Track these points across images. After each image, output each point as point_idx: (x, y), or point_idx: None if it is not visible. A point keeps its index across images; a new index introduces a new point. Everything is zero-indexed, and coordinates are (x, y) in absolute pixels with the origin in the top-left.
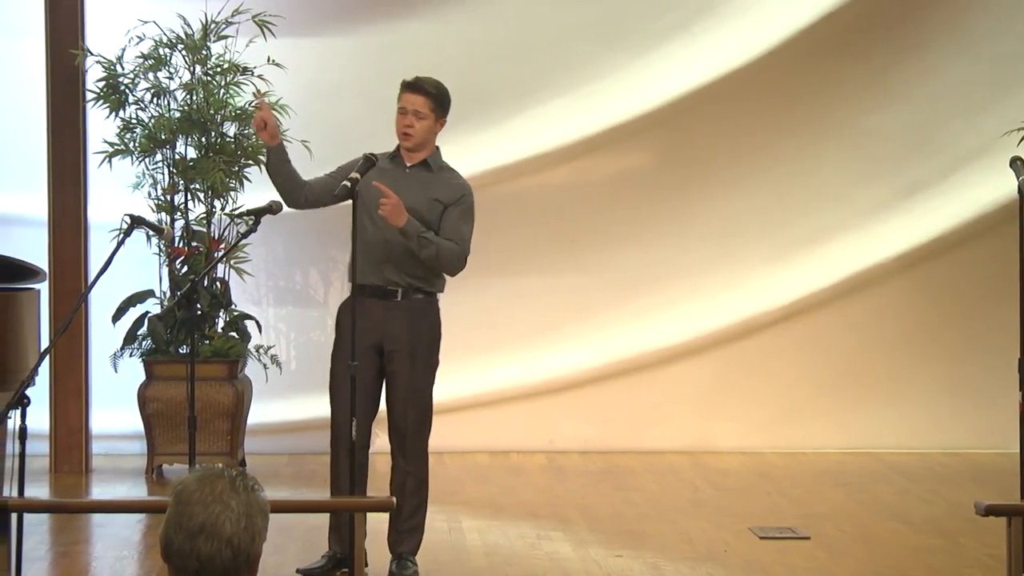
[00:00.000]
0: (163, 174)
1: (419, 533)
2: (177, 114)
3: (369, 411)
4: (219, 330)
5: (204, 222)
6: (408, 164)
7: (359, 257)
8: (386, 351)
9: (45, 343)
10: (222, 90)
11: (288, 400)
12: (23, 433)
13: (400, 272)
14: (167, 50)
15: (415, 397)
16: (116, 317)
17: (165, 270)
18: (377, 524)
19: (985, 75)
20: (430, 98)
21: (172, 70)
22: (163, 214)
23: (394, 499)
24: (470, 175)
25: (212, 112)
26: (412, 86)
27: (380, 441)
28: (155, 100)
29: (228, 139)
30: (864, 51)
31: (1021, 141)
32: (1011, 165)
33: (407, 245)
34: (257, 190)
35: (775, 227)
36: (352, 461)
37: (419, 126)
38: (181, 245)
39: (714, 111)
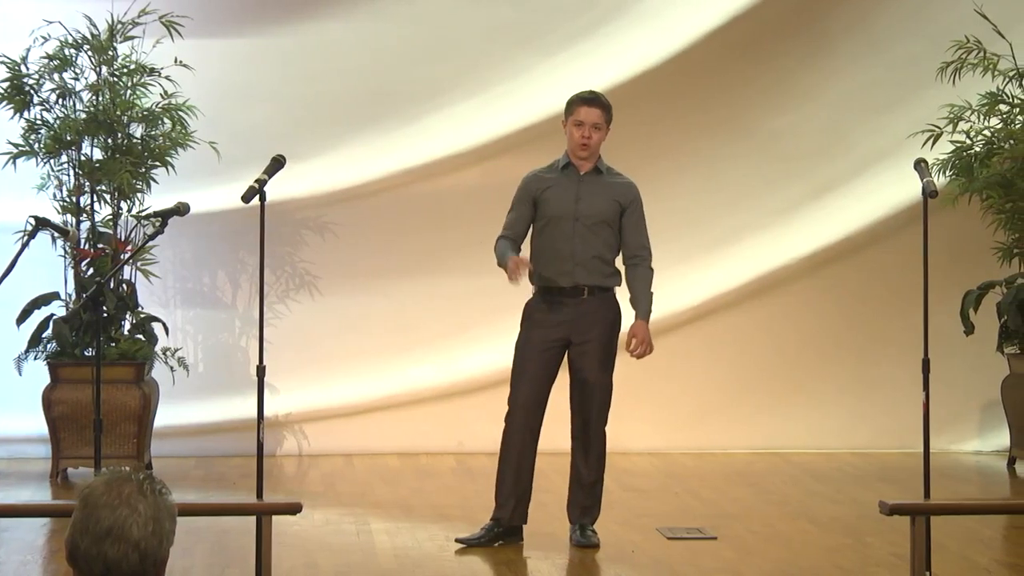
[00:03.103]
0: (69, 175)
1: (599, 505)
2: (83, 115)
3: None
4: (125, 332)
5: (110, 224)
6: (581, 172)
7: (545, 261)
8: (574, 344)
9: None
10: (129, 91)
11: (195, 402)
12: None
13: (588, 273)
14: (73, 51)
15: (602, 383)
16: (20, 319)
17: (71, 272)
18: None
19: (891, 76)
20: (605, 111)
21: (78, 71)
22: (69, 216)
23: (300, 503)
24: (383, 175)
25: (118, 113)
26: (590, 101)
27: (287, 443)
28: (60, 101)
29: (135, 140)
30: (773, 53)
31: (926, 142)
32: (915, 167)
33: (594, 252)
34: (164, 191)
35: (687, 228)
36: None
37: (596, 137)
38: (87, 247)
39: (625, 112)
